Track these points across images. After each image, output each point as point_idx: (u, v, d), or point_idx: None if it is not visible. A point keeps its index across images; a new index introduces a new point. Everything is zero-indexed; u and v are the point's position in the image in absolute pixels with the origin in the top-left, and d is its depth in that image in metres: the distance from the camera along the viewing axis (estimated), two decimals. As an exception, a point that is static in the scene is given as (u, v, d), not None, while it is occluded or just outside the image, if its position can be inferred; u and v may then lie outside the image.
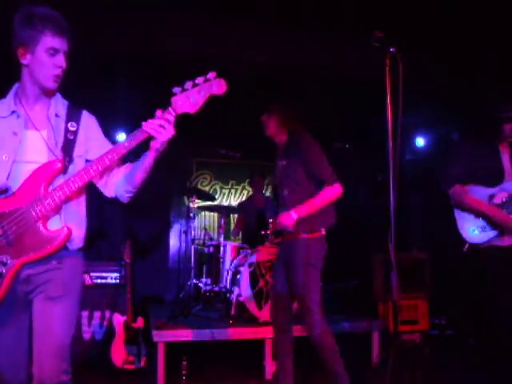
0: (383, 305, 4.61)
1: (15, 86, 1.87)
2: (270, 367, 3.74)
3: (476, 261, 2.86)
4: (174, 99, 1.77)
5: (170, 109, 1.77)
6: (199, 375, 3.69)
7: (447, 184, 3.01)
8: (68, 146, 1.81)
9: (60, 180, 1.76)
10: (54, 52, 1.74)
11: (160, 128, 1.73)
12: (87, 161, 1.88)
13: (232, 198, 7.02)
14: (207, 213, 6.61)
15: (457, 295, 5.02)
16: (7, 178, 1.72)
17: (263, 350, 3.77)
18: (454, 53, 4.55)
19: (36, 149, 1.77)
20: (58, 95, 1.90)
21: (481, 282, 3.05)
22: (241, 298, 3.98)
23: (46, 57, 1.74)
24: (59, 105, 1.88)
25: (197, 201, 5.08)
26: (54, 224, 1.74)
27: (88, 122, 1.92)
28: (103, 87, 4.75)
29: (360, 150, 5.88)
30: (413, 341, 4.57)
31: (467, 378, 3.75)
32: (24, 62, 1.77)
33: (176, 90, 1.77)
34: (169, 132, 1.75)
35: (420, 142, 6.58)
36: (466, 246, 2.85)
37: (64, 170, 1.77)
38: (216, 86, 1.78)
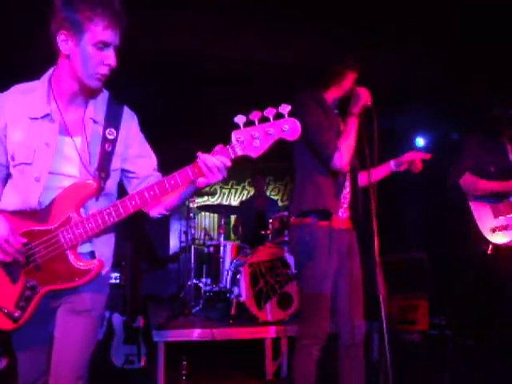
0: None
1: (50, 71, 1.62)
2: (269, 367, 3.74)
3: (497, 261, 2.80)
4: (235, 135, 1.47)
5: (228, 148, 1.49)
6: (199, 375, 3.69)
7: (457, 175, 2.90)
8: (105, 161, 1.60)
9: (93, 200, 1.60)
10: (103, 46, 1.48)
11: (214, 170, 1.47)
12: (123, 170, 1.72)
13: (232, 197, 7.02)
14: (207, 213, 6.61)
15: (457, 295, 5.02)
16: (38, 201, 1.55)
17: (263, 350, 3.77)
18: (454, 53, 4.55)
19: (69, 159, 1.58)
20: None
21: (495, 283, 3.03)
22: (241, 298, 3.98)
23: (94, 50, 1.47)
24: (98, 102, 1.64)
25: (197, 200, 5.08)
26: (83, 248, 1.61)
27: (128, 125, 1.69)
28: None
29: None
30: (413, 341, 4.56)
31: (467, 378, 3.75)
32: (64, 51, 1.49)
33: (239, 119, 1.46)
34: (221, 176, 1.50)
35: (420, 141, 6.58)
36: (490, 248, 2.75)
37: (100, 192, 1.59)
38: (289, 127, 1.45)
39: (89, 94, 1.61)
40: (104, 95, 1.68)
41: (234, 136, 1.48)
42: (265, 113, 1.45)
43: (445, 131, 6.05)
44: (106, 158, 1.60)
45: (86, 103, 1.62)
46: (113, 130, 1.62)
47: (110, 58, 1.50)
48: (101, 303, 1.69)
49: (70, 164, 1.59)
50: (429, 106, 5.42)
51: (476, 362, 4.16)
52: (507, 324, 3.64)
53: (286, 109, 1.45)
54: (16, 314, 1.56)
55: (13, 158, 1.57)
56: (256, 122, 1.46)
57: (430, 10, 4.01)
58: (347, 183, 2.46)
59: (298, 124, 1.46)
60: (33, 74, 1.69)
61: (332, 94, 2.47)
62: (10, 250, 1.52)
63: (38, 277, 1.56)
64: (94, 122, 1.62)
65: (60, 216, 1.55)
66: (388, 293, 4.73)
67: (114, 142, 1.62)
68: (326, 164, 2.30)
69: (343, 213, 2.42)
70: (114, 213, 1.53)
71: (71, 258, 1.56)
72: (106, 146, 1.60)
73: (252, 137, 1.46)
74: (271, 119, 1.46)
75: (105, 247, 1.69)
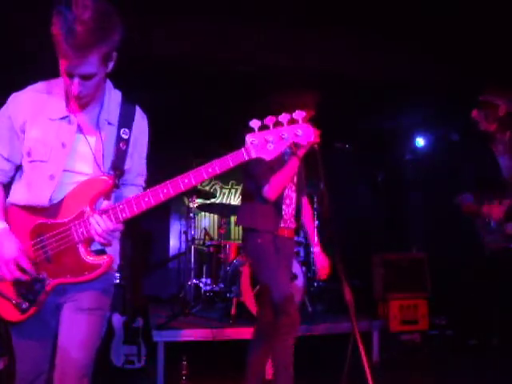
0: (383, 305, 4.61)
1: None
2: (269, 367, 3.74)
3: (497, 264, 2.89)
4: (249, 138, 1.48)
5: (243, 150, 1.50)
6: (199, 375, 3.69)
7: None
8: (119, 159, 1.63)
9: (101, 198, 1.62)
10: (68, 75, 1.47)
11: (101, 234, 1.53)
12: None
13: (232, 197, 7.02)
14: (207, 213, 6.61)
15: (457, 295, 5.02)
16: (50, 198, 1.57)
17: (263, 349, 3.77)
18: (454, 53, 4.55)
19: (82, 157, 1.62)
20: (109, 87, 1.68)
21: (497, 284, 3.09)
22: (241, 298, 3.99)
23: (63, 74, 1.48)
24: (112, 102, 1.67)
25: (197, 200, 5.07)
26: (93, 246, 1.62)
27: (139, 126, 1.72)
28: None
29: (360, 150, 5.90)
30: (413, 341, 4.57)
31: (467, 378, 3.76)
32: None
33: (254, 124, 1.48)
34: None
35: (420, 142, 6.58)
36: (487, 252, 2.90)
37: (113, 189, 1.62)
38: (303, 132, 1.47)
39: (96, 98, 1.63)
40: (117, 95, 1.71)
41: (248, 139, 1.49)
42: (279, 118, 1.47)
43: (445, 131, 6.06)
44: (120, 156, 1.64)
45: (99, 104, 1.65)
46: (127, 130, 1.66)
47: (72, 86, 1.49)
48: (106, 303, 1.70)
49: (83, 162, 1.62)
50: (429, 106, 5.42)
51: (476, 362, 4.16)
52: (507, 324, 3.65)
53: (300, 115, 1.47)
54: (24, 306, 1.57)
55: (29, 154, 1.59)
56: (270, 127, 1.48)
57: (432, 11, 4.01)
58: (294, 201, 2.79)
59: (311, 129, 1.49)
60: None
61: None
62: (15, 273, 1.55)
63: (47, 269, 1.57)
64: (109, 123, 1.65)
65: (73, 210, 1.57)
66: (388, 292, 4.76)
67: (127, 141, 1.66)
68: (258, 192, 2.62)
69: (290, 224, 2.77)
70: (127, 209, 1.54)
71: (82, 251, 1.57)
72: (121, 145, 1.64)
73: (266, 140, 1.48)
74: (285, 124, 1.48)
75: (113, 248, 1.69)
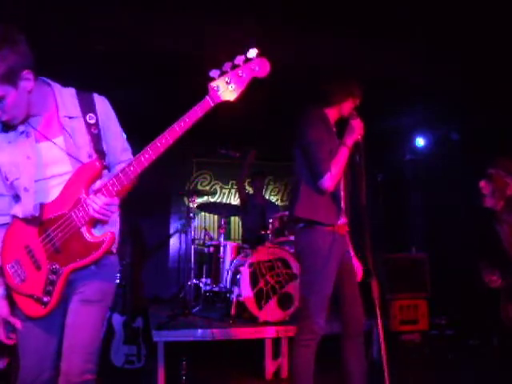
0: (383, 305, 4.61)
1: None
2: (270, 367, 3.74)
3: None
4: (211, 85, 1.57)
5: (207, 98, 1.58)
6: (199, 375, 3.69)
7: None
8: (97, 143, 1.70)
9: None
10: None
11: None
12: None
13: (232, 197, 7.02)
14: (207, 213, 6.61)
15: (457, 295, 5.02)
16: (33, 208, 1.66)
17: (263, 349, 3.77)
18: (454, 52, 4.55)
19: (56, 161, 1.68)
20: (58, 88, 1.73)
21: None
22: (241, 298, 3.98)
23: None
24: (67, 100, 1.72)
25: (197, 200, 5.06)
26: (96, 229, 1.71)
27: (102, 108, 1.76)
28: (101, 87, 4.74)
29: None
30: (413, 341, 4.57)
31: (467, 378, 3.76)
32: None
33: (213, 73, 1.57)
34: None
35: (420, 141, 6.58)
36: None
37: (103, 170, 1.68)
38: (259, 66, 1.58)
39: (40, 105, 1.67)
40: (71, 92, 1.76)
41: (210, 87, 1.58)
42: (235, 61, 1.58)
43: (445, 131, 6.06)
44: (96, 140, 1.71)
45: (55, 106, 1.70)
46: (91, 114, 1.72)
47: None
48: (110, 293, 1.79)
49: (58, 164, 1.69)
50: (429, 106, 5.42)
51: (476, 362, 4.16)
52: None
53: (253, 52, 1.59)
54: (45, 299, 1.66)
55: (6, 178, 1.70)
56: (229, 71, 1.58)
57: (430, 11, 4.00)
58: (343, 194, 2.62)
59: (267, 61, 1.59)
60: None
61: (331, 113, 2.64)
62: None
63: (59, 259, 1.66)
64: (70, 117, 1.70)
65: (71, 200, 1.66)
66: (389, 292, 4.75)
67: (96, 124, 1.72)
68: (314, 180, 2.45)
69: (342, 220, 2.59)
70: (116, 182, 1.60)
71: (85, 234, 1.66)
72: (92, 129, 1.70)
73: (227, 82, 1.57)
74: (241, 64, 1.58)
75: (111, 228, 1.76)
